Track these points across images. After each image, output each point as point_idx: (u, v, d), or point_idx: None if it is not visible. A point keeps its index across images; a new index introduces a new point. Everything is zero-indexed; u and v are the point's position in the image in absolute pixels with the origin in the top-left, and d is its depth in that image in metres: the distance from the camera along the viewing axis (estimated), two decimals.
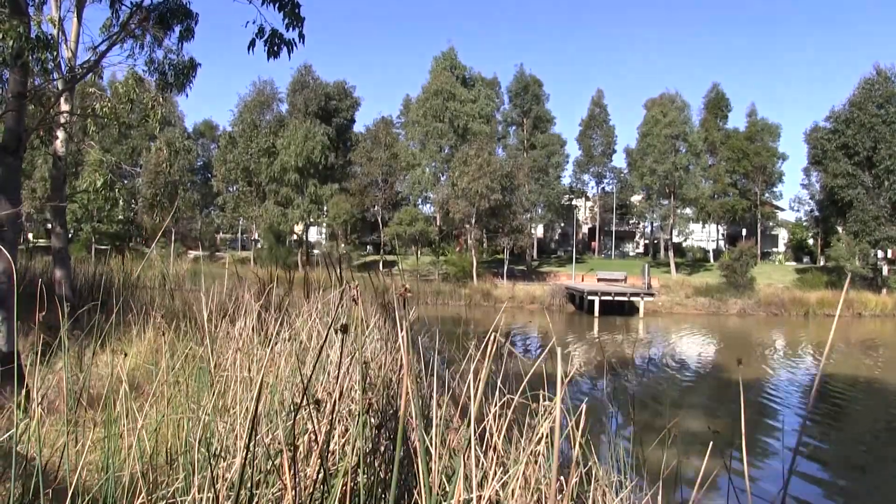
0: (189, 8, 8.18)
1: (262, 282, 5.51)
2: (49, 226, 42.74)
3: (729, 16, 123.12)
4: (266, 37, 6.57)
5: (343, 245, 46.83)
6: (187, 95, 11.13)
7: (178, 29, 8.40)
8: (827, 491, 8.76)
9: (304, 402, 1.59)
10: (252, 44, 6.62)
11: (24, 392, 5.01)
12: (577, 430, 2.03)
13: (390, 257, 47.17)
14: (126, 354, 4.80)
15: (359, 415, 1.77)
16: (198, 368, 2.78)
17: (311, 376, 1.71)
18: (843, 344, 25.47)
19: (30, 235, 46.14)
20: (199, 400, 2.72)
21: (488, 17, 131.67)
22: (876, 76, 40.67)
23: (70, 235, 28.68)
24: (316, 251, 52.75)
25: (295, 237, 51.57)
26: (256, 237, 52.71)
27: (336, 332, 1.68)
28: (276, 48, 6.61)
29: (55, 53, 8.32)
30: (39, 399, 3.98)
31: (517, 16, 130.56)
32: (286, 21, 6.40)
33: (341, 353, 1.99)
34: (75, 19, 10.29)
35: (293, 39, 6.62)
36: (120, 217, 44.35)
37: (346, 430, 2.03)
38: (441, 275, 41.67)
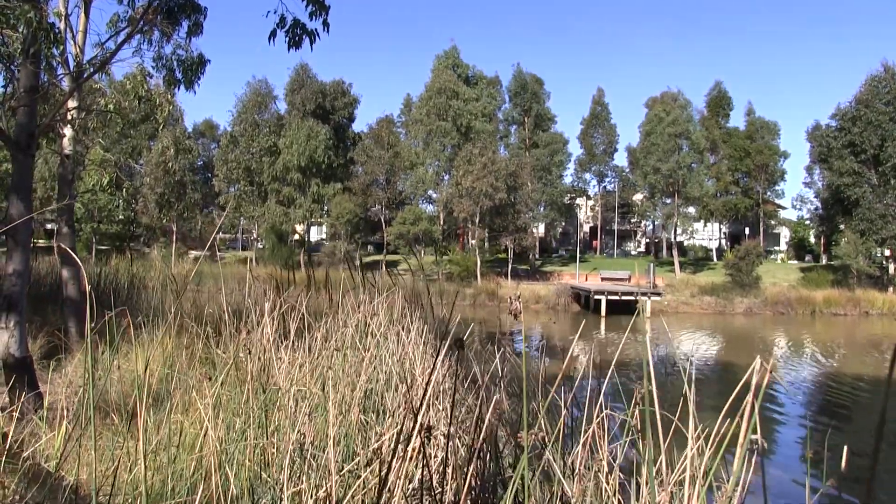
0: (197, 2, 7.91)
1: (296, 284, 5.22)
2: (48, 226, 42.38)
3: (728, 15, 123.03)
4: (287, 27, 6.29)
5: (345, 245, 46.40)
6: (195, 92, 10.91)
7: (186, 24, 8.15)
8: (832, 490, 8.51)
9: (417, 431, 1.33)
10: (273, 34, 6.34)
11: (42, 402, 4.73)
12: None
13: (392, 257, 46.85)
14: (149, 361, 4.52)
15: (478, 442, 1.50)
16: (253, 385, 2.51)
17: (423, 400, 1.45)
18: (850, 342, 25.18)
19: None
20: (249, 417, 2.45)
21: (488, 15, 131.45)
22: (883, 73, 40.41)
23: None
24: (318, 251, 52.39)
25: (297, 237, 51.24)
26: (256, 237, 52.34)
27: (450, 349, 1.40)
28: (297, 39, 6.33)
29: (62, 48, 8.05)
30: (61, 410, 3.69)
31: (517, 14, 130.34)
32: (309, 10, 6.12)
33: (457, 375, 1.71)
34: (82, 14, 9.99)
35: (315, 29, 6.34)
36: (120, 217, 43.98)
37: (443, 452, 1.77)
38: (445, 274, 41.38)
